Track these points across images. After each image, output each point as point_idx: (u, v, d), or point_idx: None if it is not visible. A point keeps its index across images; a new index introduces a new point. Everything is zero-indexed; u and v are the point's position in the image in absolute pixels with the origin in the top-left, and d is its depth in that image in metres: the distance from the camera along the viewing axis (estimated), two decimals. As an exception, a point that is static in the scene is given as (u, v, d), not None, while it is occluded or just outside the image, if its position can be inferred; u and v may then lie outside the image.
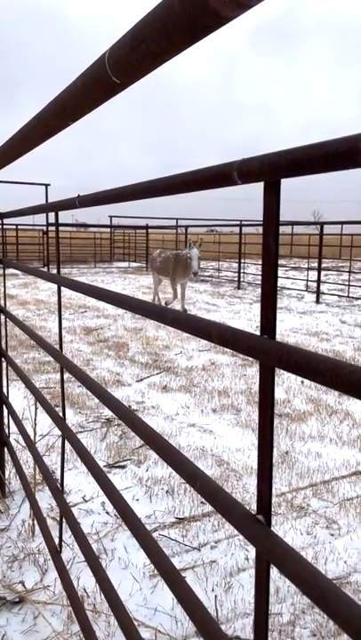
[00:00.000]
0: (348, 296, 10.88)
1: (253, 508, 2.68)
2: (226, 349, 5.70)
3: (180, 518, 2.55)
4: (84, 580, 2.06)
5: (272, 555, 0.67)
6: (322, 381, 0.56)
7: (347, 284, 11.41)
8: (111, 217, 20.34)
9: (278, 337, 5.14)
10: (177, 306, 8.54)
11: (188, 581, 2.08)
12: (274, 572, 2.15)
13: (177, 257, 8.56)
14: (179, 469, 0.88)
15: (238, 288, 12.89)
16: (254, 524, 0.72)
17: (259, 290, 12.49)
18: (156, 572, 2.11)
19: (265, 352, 0.66)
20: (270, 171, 0.63)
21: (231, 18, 0.67)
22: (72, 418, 3.84)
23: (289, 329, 7.57)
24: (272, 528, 2.39)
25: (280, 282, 13.57)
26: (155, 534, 2.38)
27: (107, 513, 2.59)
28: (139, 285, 12.87)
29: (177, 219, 17.83)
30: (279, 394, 4.51)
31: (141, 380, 4.88)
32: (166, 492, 2.80)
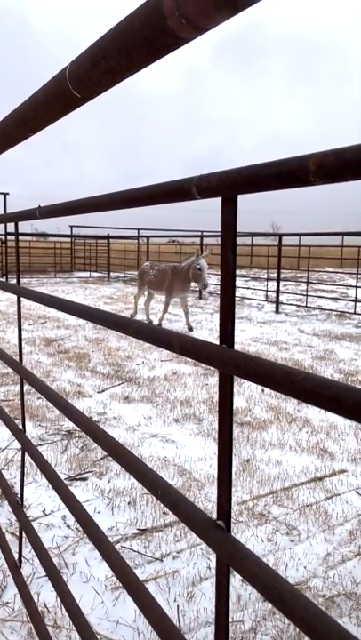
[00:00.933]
0: (306, 306, 11.13)
1: (215, 516, 2.69)
2: (188, 359, 5.73)
3: (142, 529, 2.54)
4: (45, 595, 2.02)
5: (232, 559, 0.68)
6: (278, 388, 0.59)
7: (305, 294, 11.67)
8: (72, 226, 20.18)
9: (239, 346, 5.22)
10: (176, 324, 8.52)
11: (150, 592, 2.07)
12: (236, 580, 2.17)
13: (175, 270, 8.05)
14: (141, 479, 0.89)
15: (200, 298, 13.00)
16: (214, 529, 0.74)
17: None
18: (118, 584, 2.10)
19: (224, 361, 0.68)
20: (227, 187, 0.66)
21: (189, 39, 0.70)
22: (32, 430, 3.77)
23: (250, 338, 7.67)
24: (234, 536, 2.40)
25: (241, 292, 13.77)
26: (117, 546, 2.36)
27: (67, 526, 2.55)
28: (100, 295, 12.79)
29: (138, 229, 17.85)
30: (240, 403, 4.56)
31: (103, 390, 4.85)
32: (128, 503, 2.78)
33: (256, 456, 3.46)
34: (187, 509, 0.79)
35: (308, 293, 12.21)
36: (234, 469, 3.25)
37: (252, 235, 15.08)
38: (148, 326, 0.85)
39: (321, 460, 3.43)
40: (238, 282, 15.60)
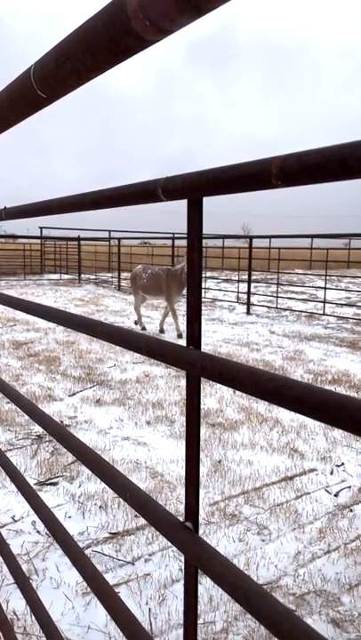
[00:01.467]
0: (276, 307, 11.25)
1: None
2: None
3: (113, 533, 2.52)
4: (14, 602, 1.99)
5: (199, 559, 0.68)
6: (243, 389, 0.59)
7: (275, 295, 11.81)
8: (42, 228, 19.94)
9: (211, 347, 5.24)
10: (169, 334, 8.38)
11: (121, 596, 2.06)
12: (207, 581, 2.17)
13: (169, 273, 7.73)
14: (109, 482, 0.88)
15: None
16: (183, 530, 0.74)
17: (191, 302, 12.68)
18: (88, 589, 2.07)
19: (190, 362, 0.68)
20: (192, 189, 0.66)
21: (154, 41, 0.70)
22: (0, 435, 3.71)
23: (221, 340, 7.71)
24: (206, 537, 2.42)
25: (213, 293, 13.83)
26: (88, 551, 2.34)
27: (37, 532, 2.52)
28: (71, 298, 12.67)
29: (110, 230, 17.77)
30: (212, 404, 4.58)
31: (74, 394, 4.80)
32: (100, 507, 2.76)
33: (228, 457, 3.48)
34: (155, 511, 0.79)
35: (279, 295, 12.36)
36: (205, 471, 3.26)
37: (224, 237, 15.19)
38: (116, 328, 0.85)
39: (291, 459, 3.47)
40: (210, 284, 15.68)
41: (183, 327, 7.90)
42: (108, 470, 0.91)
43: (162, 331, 8.16)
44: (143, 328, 8.28)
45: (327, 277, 11.50)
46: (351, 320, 9.74)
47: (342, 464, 3.40)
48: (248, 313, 10.76)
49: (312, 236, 11.96)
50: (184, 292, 7.08)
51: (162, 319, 8.27)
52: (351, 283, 17.19)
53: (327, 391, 0.50)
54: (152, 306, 11.73)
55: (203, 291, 13.49)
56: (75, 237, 17.72)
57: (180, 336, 7.61)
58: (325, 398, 0.50)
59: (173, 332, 8.00)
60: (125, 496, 0.83)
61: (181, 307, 9.30)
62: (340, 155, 0.45)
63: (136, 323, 8.48)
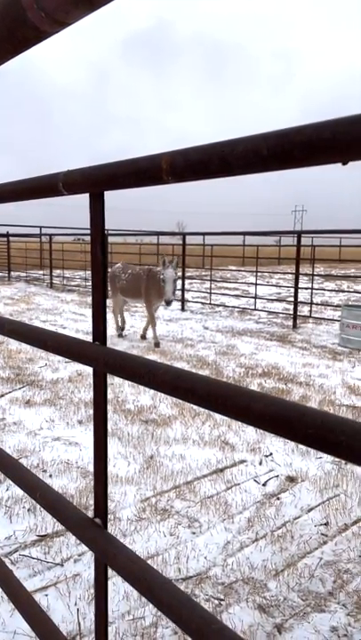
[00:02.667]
0: (210, 303, 11.42)
1: (118, 516, 2.69)
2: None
3: (42, 535, 2.47)
4: None
5: (106, 554, 0.68)
6: (142, 382, 0.60)
7: (209, 291, 11.99)
8: (-32, 224, 19.10)
9: (146, 344, 5.23)
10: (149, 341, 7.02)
11: (50, 599, 2.03)
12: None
13: (150, 273, 6.85)
14: (19, 482, 0.86)
15: (105, 297, 12.87)
16: (91, 527, 0.74)
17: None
18: (16, 594, 2.03)
19: (94, 358, 0.68)
20: (92, 183, 0.66)
21: (51, 33, 0.69)
22: None
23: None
24: (137, 534, 2.42)
25: (147, 291, 13.81)
26: (14, 555, 2.28)
27: None
28: (0, 296, 12.25)
29: (41, 227, 17.33)
30: (145, 400, 4.59)
31: (2, 395, 4.65)
32: (28, 510, 2.70)
33: (160, 452, 3.50)
34: (65, 510, 0.78)
35: (213, 291, 12.55)
36: (138, 467, 3.26)
37: (158, 234, 15.22)
38: (20, 324, 0.83)
39: (222, 452, 3.54)
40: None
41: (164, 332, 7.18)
42: (17, 471, 0.89)
43: (143, 337, 7.39)
44: (120, 335, 7.50)
45: (259, 274, 11.81)
46: (281, 315, 10.05)
47: (271, 454, 3.51)
48: (183, 309, 10.84)
49: (244, 234, 12.22)
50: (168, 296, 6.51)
51: (146, 325, 7.40)
52: (282, 279, 17.74)
53: (217, 381, 0.52)
54: (86, 304, 11.56)
55: (137, 288, 13.19)
56: (3, 234, 17.14)
57: (157, 345, 6.81)
58: (213, 388, 0.51)
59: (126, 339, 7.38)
60: (35, 496, 0.82)
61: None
62: (220, 152, 0.46)
63: (120, 335, 7.59)
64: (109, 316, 9.19)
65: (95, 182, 0.65)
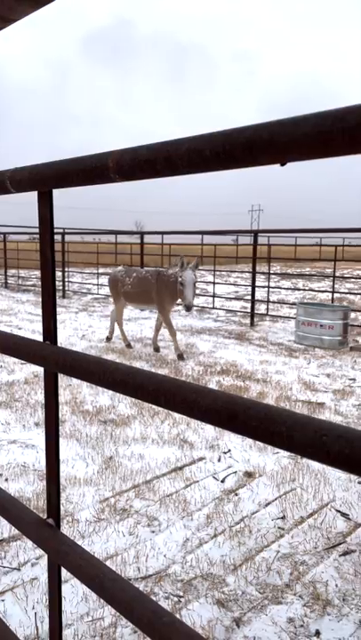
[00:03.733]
0: (169, 303, 11.44)
1: (77, 517, 2.67)
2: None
3: (-2, 540, 2.42)
4: None
5: (59, 554, 0.68)
6: (94, 381, 0.60)
7: (168, 291, 12.02)
8: None
9: (105, 345, 5.19)
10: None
11: (7, 604, 1.99)
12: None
13: (159, 277, 6.20)
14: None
15: (63, 297, 12.70)
16: (44, 528, 0.73)
17: (85, 298, 12.43)
18: (-30, 601, 1.98)
19: (44, 357, 0.67)
20: (40, 181, 0.65)
21: (-5, 28, 0.68)
22: None
23: (115, 335, 7.68)
24: (96, 535, 2.40)
25: (106, 290, 13.72)
26: (-30, 562, 2.23)
27: None
28: None
29: (-5, 226, 16.89)
30: (104, 401, 4.56)
31: None
32: (-17, 514, 2.64)
33: (119, 452, 3.49)
34: (17, 512, 0.77)
35: (171, 290, 12.57)
36: (96, 468, 3.24)
37: (116, 233, 15.13)
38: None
39: (181, 450, 3.55)
40: (104, 280, 15.54)
41: (183, 343, 6.84)
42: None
43: (157, 349, 6.62)
44: (128, 345, 6.76)
45: (217, 272, 11.92)
46: (239, 313, 10.17)
47: (229, 451, 3.55)
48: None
49: (202, 233, 12.30)
50: (179, 300, 5.97)
51: (154, 334, 6.73)
52: (239, 277, 17.95)
53: (166, 378, 0.52)
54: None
55: (96, 287, 13.23)
56: None
57: (180, 357, 6.14)
58: (163, 384, 0.52)
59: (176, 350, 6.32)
60: (-13, 499, 0.80)
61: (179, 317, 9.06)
62: (165, 152, 0.47)
63: (108, 339, 7.05)
64: (104, 324, 9.07)
65: (43, 180, 0.64)
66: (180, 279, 5.83)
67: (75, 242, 16.54)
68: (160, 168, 0.48)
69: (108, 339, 7.05)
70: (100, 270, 16.36)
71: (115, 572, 0.61)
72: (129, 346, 6.77)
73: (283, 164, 0.41)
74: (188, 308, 5.85)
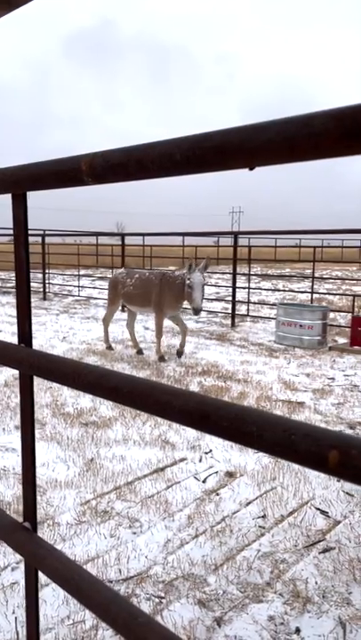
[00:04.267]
0: (150, 304, 11.44)
1: (57, 520, 2.65)
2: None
3: (-23, 545, 2.39)
4: None
5: (36, 558, 0.68)
6: (68, 383, 0.60)
7: (149, 292, 12.01)
8: None
9: (86, 346, 5.17)
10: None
11: (-15, 610, 1.97)
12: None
13: (163, 278, 5.95)
14: None
15: (44, 299, 12.60)
16: (20, 531, 0.73)
17: (65, 300, 12.36)
18: None
19: (19, 360, 0.67)
20: (14, 183, 0.65)
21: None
22: None
23: (96, 338, 7.65)
24: (77, 537, 2.39)
25: (87, 292, 13.66)
26: None
27: None
28: None
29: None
30: (85, 403, 4.53)
31: None
32: None
33: (100, 454, 3.47)
34: (-7, 515, 0.77)
35: (153, 291, 12.56)
36: (77, 471, 3.22)
37: (96, 234, 15.07)
38: None
39: (163, 451, 3.56)
40: (85, 282, 15.48)
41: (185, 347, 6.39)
42: None
43: (179, 353, 6.28)
44: (109, 347, 6.63)
45: (198, 274, 11.92)
46: (220, 314, 10.21)
47: (210, 451, 3.56)
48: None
49: (183, 234, 12.34)
50: (185, 303, 5.69)
51: (182, 340, 6.32)
52: (220, 278, 18.02)
53: (140, 380, 0.53)
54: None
55: (77, 289, 13.14)
56: None
57: (161, 359, 6.12)
58: (137, 386, 0.52)
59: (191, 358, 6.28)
60: None
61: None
62: (137, 155, 0.47)
63: (109, 347, 6.65)
64: (85, 326, 9.01)
65: (17, 183, 0.64)
66: (188, 281, 5.60)
67: (55, 244, 16.44)
68: (132, 171, 0.49)
69: (110, 347, 6.71)
70: (82, 272, 16.27)
71: (91, 574, 0.61)
72: (110, 348, 6.70)
73: (251, 169, 0.42)
74: (197, 311, 5.64)
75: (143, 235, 12.39)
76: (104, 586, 0.59)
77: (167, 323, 6.47)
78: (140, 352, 6.53)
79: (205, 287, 5.72)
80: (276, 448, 0.40)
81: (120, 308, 6.87)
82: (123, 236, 11.03)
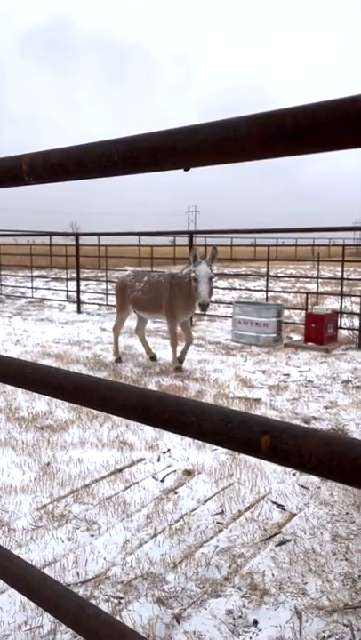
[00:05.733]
0: (107, 304, 11.36)
1: (13, 527, 2.61)
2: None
3: None
4: None
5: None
6: (12, 382, 0.60)
7: (105, 292, 11.91)
8: None
9: (41, 349, 5.09)
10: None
11: None
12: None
13: (173, 280, 5.51)
14: None
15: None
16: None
17: (19, 302, 12.10)
18: None
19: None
20: None
21: None
22: None
23: (51, 340, 7.54)
24: (33, 543, 2.36)
25: (41, 293, 13.43)
26: None
27: None
28: None
29: None
30: (41, 406, 4.47)
31: None
32: None
33: (57, 458, 3.43)
34: None
35: (109, 292, 12.48)
36: (33, 475, 3.17)
37: (50, 234, 14.83)
38: None
39: (121, 452, 3.55)
40: (38, 283, 15.21)
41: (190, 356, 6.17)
42: None
43: (179, 367, 5.76)
44: (118, 359, 6.10)
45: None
46: (177, 314, 10.25)
47: (168, 450, 3.58)
48: (79, 311, 10.68)
49: (139, 234, 12.30)
50: (196, 308, 5.22)
51: (184, 346, 5.89)
52: (178, 279, 18.11)
53: (84, 376, 0.54)
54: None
55: (30, 290, 12.90)
56: None
57: (178, 369, 5.68)
58: (81, 383, 0.53)
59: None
60: None
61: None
62: (77, 155, 0.48)
63: (118, 360, 6.10)
64: (40, 328, 8.81)
65: None
66: (193, 274, 5.12)
67: (7, 244, 16.08)
68: (72, 171, 0.49)
69: (119, 359, 6.14)
70: (35, 273, 15.99)
71: (40, 570, 0.61)
72: (119, 360, 6.11)
73: (186, 169, 0.44)
74: (204, 306, 5.06)
75: (98, 234, 12.29)
76: (53, 581, 0.59)
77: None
78: (153, 358, 6.22)
79: (213, 280, 5.21)
80: (215, 436, 0.42)
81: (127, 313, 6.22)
82: (77, 235, 10.91)
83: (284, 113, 0.38)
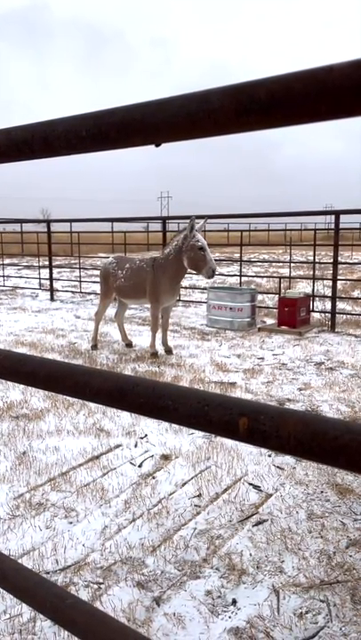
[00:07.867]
0: (80, 292, 11.25)
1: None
2: None
3: None
4: None
5: None
6: (-17, 371, 0.58)
7: (79, 280, 11.78)
8: None
9: (14, 337, 5.01)
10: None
11: None
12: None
13: (156, 263, 5.44)
14: None
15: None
16: None
17: (-9, 291, 11.86)
18: None
19: None
20: None
21: None
22: None
23: (24, 328, 7.44)
24: (11, 532, 2.34)
25: (13, 281, 13.22)
26: None
27: None
28: None
29: None
30: (15, 395, 4.41)
31: None
32: None
33: (33, 447, 3.40)
34: None
35: (83, 279, 12.35)
36: (9, 465, 3.14)
37: (21, 221, 14.55)
38: None
39: (98, 439, 3.54)
40: (10, 271, 14.95)
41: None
42: None
43: (169, 351, 5.81)
44: (94, 346, 6.05)
45: (128, 260, 11.84)
46: (152, 300, 10.23)
47: (145, 436, 3.58)
48: (52, 299, 10.55)
49: (112, 220, 12.16)
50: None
51: (163, 335, 5.89)
52: (152, 265, 18.04)
53: (57, 362, 0.52)
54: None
55: (2, 279, 12.72)
56: None
57: (154, 354, 5.65)
58: (54, 369, 0.51)
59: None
60: None
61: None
62: (42, 132, 0.46)
63: (94, 347, 6.06)
64: (12, 317, 8.64)
65: None
66: (198, 243, 5.04)
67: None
68: (38, 149, 0.47)
69: (95, 347, 6.11)
70: (6, 261, 15.70)
71: (16, 561, 0.60)
72: (95, 347, 6.09)
73: (157, 145, 0.42)
74: (214, 272, 5.15)
75: (70, 221, 12.11)
76: (30, 572, 0.58)
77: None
78: (129, 345, 6.19)
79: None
80: (192, 420, 0.41)
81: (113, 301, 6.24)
82: (48, 222, 10.73)
83: (258, 84, 0.36)
